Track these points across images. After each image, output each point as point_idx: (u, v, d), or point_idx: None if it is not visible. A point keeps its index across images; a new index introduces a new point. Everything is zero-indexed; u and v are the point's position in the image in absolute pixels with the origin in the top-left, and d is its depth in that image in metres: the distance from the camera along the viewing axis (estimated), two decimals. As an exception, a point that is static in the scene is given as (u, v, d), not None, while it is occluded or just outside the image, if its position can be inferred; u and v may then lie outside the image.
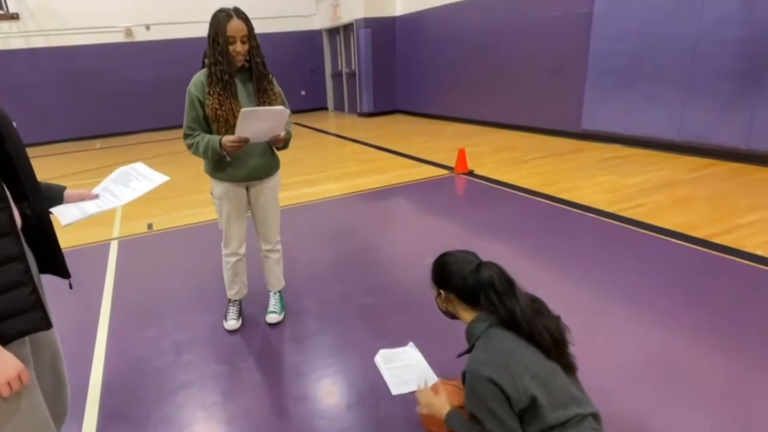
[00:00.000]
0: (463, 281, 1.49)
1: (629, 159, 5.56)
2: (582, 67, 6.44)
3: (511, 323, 1.40)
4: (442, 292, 1.58)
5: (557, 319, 1.47)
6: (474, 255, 1.57)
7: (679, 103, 5.39)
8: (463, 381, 1.44)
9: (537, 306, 1.46)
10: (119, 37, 10.79)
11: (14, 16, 9.85)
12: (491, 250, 3.26)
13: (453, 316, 1.61)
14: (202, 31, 2.22)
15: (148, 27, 10.87)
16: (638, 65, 5.72)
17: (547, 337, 1.39)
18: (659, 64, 5.50)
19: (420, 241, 3.75)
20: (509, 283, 1.45)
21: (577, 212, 4.01)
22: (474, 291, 1.46)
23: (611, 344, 2.24)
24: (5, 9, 9.40)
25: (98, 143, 10.45)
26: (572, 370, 1.45)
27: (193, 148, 2.27)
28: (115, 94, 10.91)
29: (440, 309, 1.65)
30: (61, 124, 10.69)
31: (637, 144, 5.95)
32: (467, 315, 1.52)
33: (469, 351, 1.47)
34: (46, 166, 8.05)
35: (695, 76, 5.18)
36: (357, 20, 10.66)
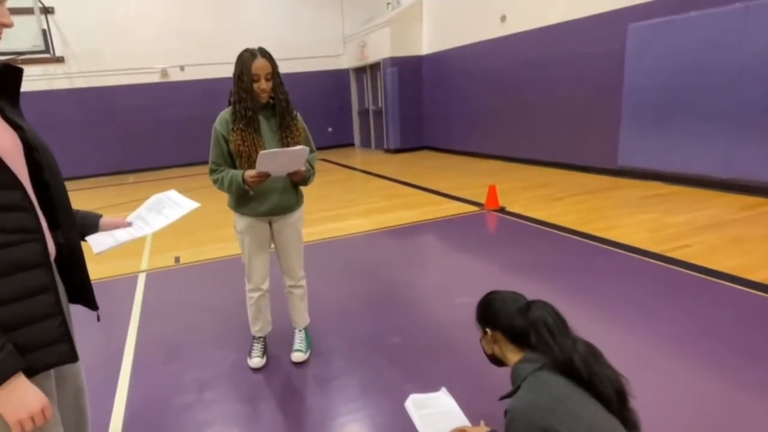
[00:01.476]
0: (511, 319, 1.40)
1: (672, 197, 5.34)
2: (616, 103, 6.34)
3: (567, 367, 1.26)
4: (488, 331, 1.48)
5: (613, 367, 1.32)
6: (521, 295, 1.49)
7: (724, 139, 5.20)
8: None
9: (594, 350, 1.32)
10: (155, 78, 11.30)
11: (60, 59, 10.45)
12: (527, 290, 3.04)
13: (499, 362, 1.49)
14: (231, 70, 2.29)
15: (182, 68, 11.38)
16: (676, 100, 5.59)
17: (609, 386, 1.23)
18: (699, 98, 5.35)
19: (451, 279, 3.62)
20: (563, 322, 1.34)
21: (618, 252, 3.82)
22: (524, 330, 1.37)
23: (663, 401, 2.04)
24: (52, 53, 9.97)
25: (131, 177, 10.76)
26: (635, 429, 1.28)
27: (218, 183, 2.33)
28: (149, 131, 11.34)
29: (485, 352, 1.55)
30: (97, 159, 11.10)
31: (680, 181, 5.73)
32: (514, 356, 1.41)
33: (512, 394, 1.34)
34: (82, 199, 8.27)
35: (740, 111, 5.00)
36: (384, 59, 10.90)
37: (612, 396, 1.23)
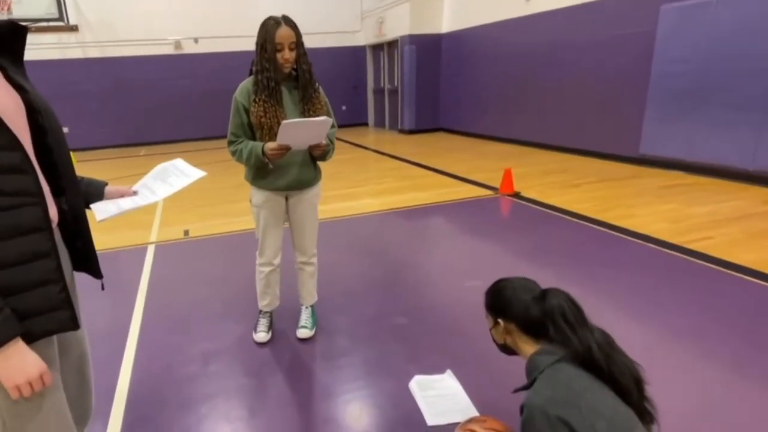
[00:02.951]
0: (525, 309, 1.32)
1: (694, 187, 5.18)
2: (641, 90, 6.13)
3: (586, 358, 1.20)
4: (500, 321, 1.39)
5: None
6: (534, 282, 1.41)
7: (753, 130, 5.00)
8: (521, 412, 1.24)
9: (610, 339, 1.26)
10: (169, 50, 11.22)
11: (73, 28, 10.40)
12: (540, 277, 2.98)
13: (511, 351, 1.42)
14: (248, 44, 2.28)
15: (196, 40, 11.27)
16: (705, 87, 5.38)
17: (627, 376, 1.18)
18: (729, 86, 5.15)
19: (461, 262, 3.55)
20: (579, 311, 1.27)
21: (635, 241, 3.71)
22: (539, 321, 1.29)
23: (676, 392, 1.98)
24: (66, 21, 9.92)
25: (143, 150, 10.77)
26: (651, 421, 1.23)
27: (237, 154, 2.27)
28: (161, 103, 11.32)
29: (496, 342, 1.47)
30: (109, 130, 11.13)
31: (703, 172, 5.55)
32: (529, 347, 1.34)
33: (528, 387, 1.27)
34: (92, 170, 8.29)
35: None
36: (402, 37, 10.68)
37: (631, 386, 1.19)
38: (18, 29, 1.09)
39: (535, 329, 1.32)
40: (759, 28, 4.83)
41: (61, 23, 9.79)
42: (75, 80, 10.60)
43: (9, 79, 1.05)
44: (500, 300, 1.40)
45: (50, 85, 9.68)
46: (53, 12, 9.25)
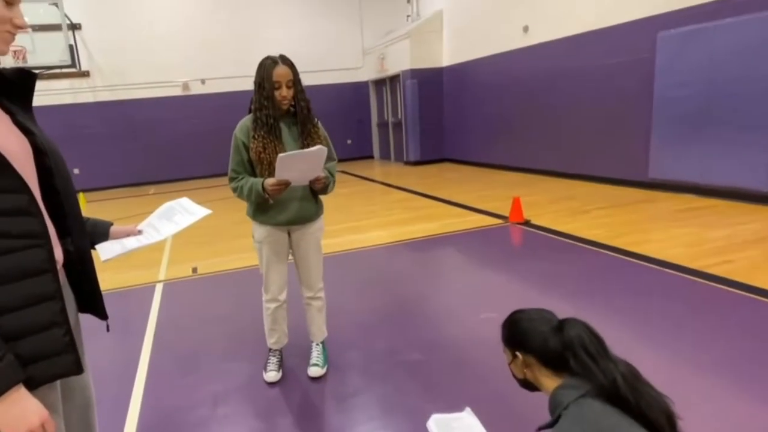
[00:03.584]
0: (544, 341, 1.25)
1: (709, 210, 5.10)
2: (646, 114, 6.14)
3: (612, 392, 1.12)
4: (518, 355, 1.32)
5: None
6: (550, 312, 1.34)
7: (763, 151, 4.95)
8: None
9: (635, 371, 1.18)
10: (176, 91, 11.51)
11: (85, 74, 10.75)
12: (555, 307, 2.92)
13: (532, 386, 1.34)
14: (251, 83, 2.27)
15: (203, 81, 11.57)
16: (709, 110, 5.37)
17: (657, 410, 1.10)
18: (734, 108, 5.13)
19: (474, 293, 3.48)
20: (600, 342, 1.21)
21: (652, 267, 3.62)
22: (560, 353, 1.22)
23: (709, 427, 1.87)
24: (78, 67, 10.27)
25: (152, 189, 10.89)
26: None
27: (237, 191, 2.29)
28: (169, 143, 11.52)
29: (516, 377, 1.39)
30: (118, 171, 11.30)
31: (717, 194, 5.48)
32: (550, 382, 1.26)
33: (552, 424, 1.19)
34: (102, 210, 8.39)
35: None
36: (404, 71, 10.88)
37: (662, 421, 1.11)
38: (27, 76, 1.11)
39: (555, 362, 1.24)
40: (756, 51, 4.85)
41: (73, 69, 10.11)
42: (86, 123, 10.85)
43: (17, 124, 1.06)
44: (517, 332, 1.33)
45: (62, 129, 9.95)
46: (66, 59, 9.57)
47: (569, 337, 1.21)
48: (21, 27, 1.03)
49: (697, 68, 5.44)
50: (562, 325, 1.25)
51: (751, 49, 4.91)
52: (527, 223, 5.16)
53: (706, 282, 3.26)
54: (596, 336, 1.22)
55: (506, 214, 5.42)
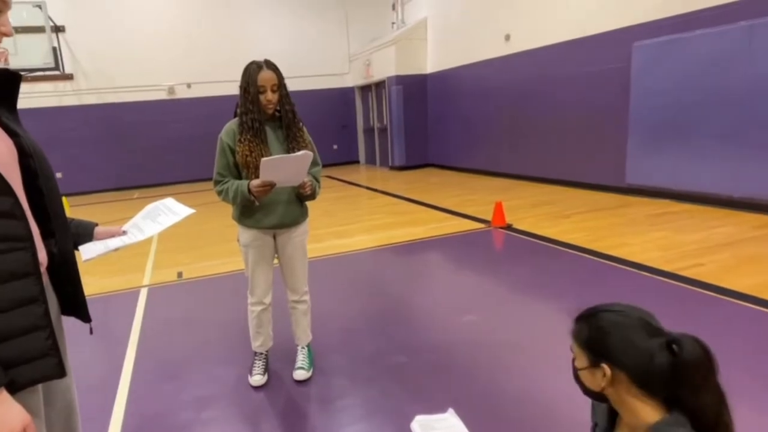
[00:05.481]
0: (649, 359, 0.96)
1: (683, 215, 5.25)
2: (622, 121, 6.31)
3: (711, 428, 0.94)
4: (605, 367, 1.01)
5: None
6: (652, 316, 1.06)
7: (733, 158, 5.13)
8: None
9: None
10: (162, 95, 11.44)
11: (69, 77, 10.62)
12: (536, 309, 3.02)
13: (602, 398, 1.06)
14: (237, 88, 2.30)
15: (189, 85, 11.52)
16: (683, 118, 5.55)
17: None
18: (706, 116, 5.31)
19: (458, 296, 3.54)
20: (713, 365, 0.97)
21: (629, 270, 3.74)
22: (666, 377, 0.95)
23: None
24: (62, 70, 10.14)
25: (136, 193, 10.79)
26: None
27: (222, 194, 2.30)
28: (155, 147, 11.43)
29: (587, 388, 1.08)
30: (103, 175, 11.17)
31: (691, 200, 5.65)
32: (647, 410, 0.97)
33: None
34: (86, 213, 8.20)
35: (749, 130, 4.95)
36: (389, 78, 10.97)
37: None
38: (12, 77, 1.10)
39: (655, 386, 0.96)
40: (727, 61, 5.03)
41: (57, 72, 9.98)
42: (70, 127, 10.71)
43: (2, 125, 1.06)
44: (607, 340, 1.02)
45: (46, 132, 9.76)
46: (50, 62, 9.44)
47: (687, 360, 0.94)
48: (8, 35, 1.04)
49: (670, 78, 5.62)
50: (676, 341, 0.98)
51: (721, 59, 5.09)
52: (509, 227, 5.26)
53: (680, 284, 3.37)
54: (712, 360, 0.98)
55: (489, 218, 5.51)
